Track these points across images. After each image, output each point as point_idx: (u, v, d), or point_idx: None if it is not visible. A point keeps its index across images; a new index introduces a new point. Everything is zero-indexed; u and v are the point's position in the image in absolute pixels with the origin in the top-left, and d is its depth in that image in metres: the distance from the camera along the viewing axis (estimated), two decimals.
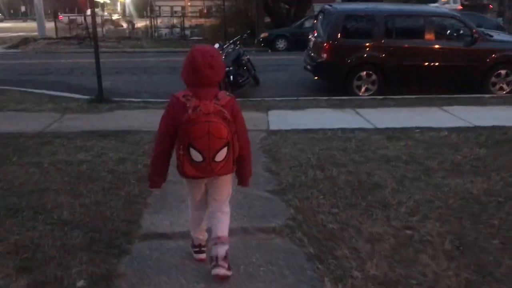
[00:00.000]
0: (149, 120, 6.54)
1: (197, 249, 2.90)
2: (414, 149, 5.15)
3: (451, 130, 5.92)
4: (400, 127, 6.10)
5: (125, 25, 27.54)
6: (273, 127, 6.21)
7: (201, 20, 27.85)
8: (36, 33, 23.00)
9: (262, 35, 17.47)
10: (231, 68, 8.73)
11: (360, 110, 7.17)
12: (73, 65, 12.77)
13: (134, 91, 9.45)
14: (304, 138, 5.59)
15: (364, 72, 8.62)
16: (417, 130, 5.92)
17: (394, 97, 8.24)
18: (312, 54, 9.35)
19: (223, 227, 2.69)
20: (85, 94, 8.61)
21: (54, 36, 22.50)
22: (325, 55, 8.69)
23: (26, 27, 34.70)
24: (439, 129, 5.95)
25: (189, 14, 31.31)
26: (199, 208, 2.78)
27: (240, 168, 2.65)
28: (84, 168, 4.53)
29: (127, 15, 30.64)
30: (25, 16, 61.47)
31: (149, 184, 2.66)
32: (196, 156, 2.41)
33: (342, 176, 4.30)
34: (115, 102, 7.85)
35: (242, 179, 2.72)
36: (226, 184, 2.69)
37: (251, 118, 6.69)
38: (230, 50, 9.39)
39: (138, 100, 8.22)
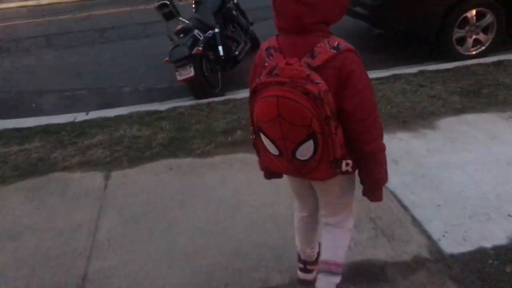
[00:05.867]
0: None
1: (301, 266, 1.92)
2: None
3: None
4: None
5: None
6: (446, 244, 2.02)
7: None
8: None
9: None
10: (216, 29, 4.38)
11: None
12: None
13: (30, 94, 4.90)
14: None
15: (473, 12, 4.48)
16: None
17: None
18: None
19: (330, 247, 1.71)
20: None
21: None
22: None
23: None
24: None
25: None
26: (301, 209, 1.81)
27: (362, 170, 1.48)
28: None
29: None
30: None
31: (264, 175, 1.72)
32: (270, 146, 1.41)
33: None
34: None
35: (367, 189, 1.53)
36: (334, 186, 1.56)
37: None
38: None
39: (34, 125, 3.76)
